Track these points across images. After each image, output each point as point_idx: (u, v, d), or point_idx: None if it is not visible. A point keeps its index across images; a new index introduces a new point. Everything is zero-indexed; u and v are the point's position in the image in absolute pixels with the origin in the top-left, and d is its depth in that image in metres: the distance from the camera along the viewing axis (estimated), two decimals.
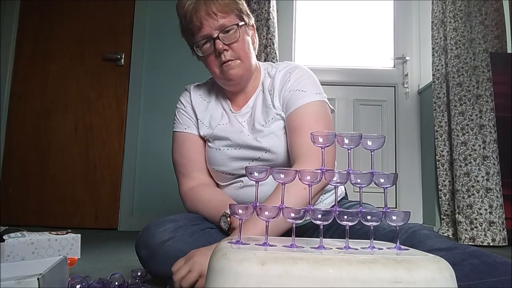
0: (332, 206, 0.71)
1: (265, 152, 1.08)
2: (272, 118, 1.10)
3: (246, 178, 1.08)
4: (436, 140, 2.47)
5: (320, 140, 0.67)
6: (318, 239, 0.62)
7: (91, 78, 2.78)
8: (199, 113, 1.19)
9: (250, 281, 0.51)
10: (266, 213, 0.63)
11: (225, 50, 1.08)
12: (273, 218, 0.63)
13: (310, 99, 1.07)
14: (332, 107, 1.15)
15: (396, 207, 2.69)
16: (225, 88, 1.18)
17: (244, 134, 1.11)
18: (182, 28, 1.14)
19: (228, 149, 1.11)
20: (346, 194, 1.27)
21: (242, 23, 1.11)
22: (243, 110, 1.16)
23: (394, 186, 2.50)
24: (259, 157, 1.08)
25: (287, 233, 1.04)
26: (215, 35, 1.07)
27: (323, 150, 0.68)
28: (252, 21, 1.17)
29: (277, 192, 0.94)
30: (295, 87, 1.10)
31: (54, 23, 2.82)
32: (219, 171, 1.13)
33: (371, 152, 0.67)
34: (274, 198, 0.91)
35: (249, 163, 1.08)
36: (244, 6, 1.14)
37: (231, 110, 1.18)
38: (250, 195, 1.07)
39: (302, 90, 1.09)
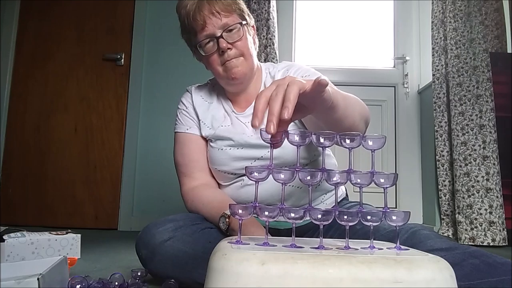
0: (332, 207, 0.71)
1: (268, 150, 1.07)
2: None
3: (247, 177, 1.08)
4: (436, 140, 2.47)
5: (321, 139, 0.67)
6: (318, 239, 0.62)
7: (91, 78, 2.78)
8: (200, 113, 1.19)
9: (250, 281, 0.51)
10: (266, 213, 0.63)
11: (229, 48, 1.08)
12: (273, 218, 0.63)
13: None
14: None
15: (396, 207, 2.69)
16: (227, 88, 1.18)
17: (247, 135, 1.11)
18: (184, 28, 1.14)
19: (230, 149, 1.11)
20: (346, 195, 1.27)
21: (245, 22, 1.12)
22: (247, 111, 1.16)
23: (394, 186, 2.49)
24: (262, 156, 1.08)
25: (287, 233, 1.05)
26: (219, 34, 1.07)
27: (324, 150, 0.68)
28: (253, 22, 1.18)
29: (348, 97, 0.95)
30: (298, 75, 1.11)
31: (54, 23, 2.81)
32: (221, 170, 1.12)
33: (372, 152, 0.67)
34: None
35: (251, 163, 1.08)
36: (245, 6, 1.15)
37: (233, 111, 1.18)
38: (251, 194, 1.06)
39: (307, 75, 1.11)
